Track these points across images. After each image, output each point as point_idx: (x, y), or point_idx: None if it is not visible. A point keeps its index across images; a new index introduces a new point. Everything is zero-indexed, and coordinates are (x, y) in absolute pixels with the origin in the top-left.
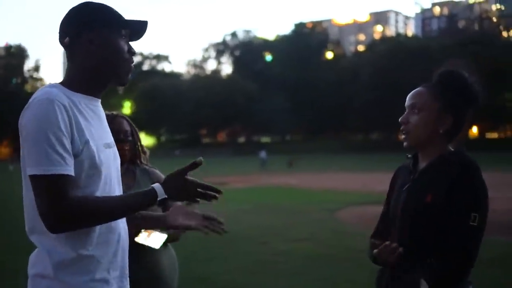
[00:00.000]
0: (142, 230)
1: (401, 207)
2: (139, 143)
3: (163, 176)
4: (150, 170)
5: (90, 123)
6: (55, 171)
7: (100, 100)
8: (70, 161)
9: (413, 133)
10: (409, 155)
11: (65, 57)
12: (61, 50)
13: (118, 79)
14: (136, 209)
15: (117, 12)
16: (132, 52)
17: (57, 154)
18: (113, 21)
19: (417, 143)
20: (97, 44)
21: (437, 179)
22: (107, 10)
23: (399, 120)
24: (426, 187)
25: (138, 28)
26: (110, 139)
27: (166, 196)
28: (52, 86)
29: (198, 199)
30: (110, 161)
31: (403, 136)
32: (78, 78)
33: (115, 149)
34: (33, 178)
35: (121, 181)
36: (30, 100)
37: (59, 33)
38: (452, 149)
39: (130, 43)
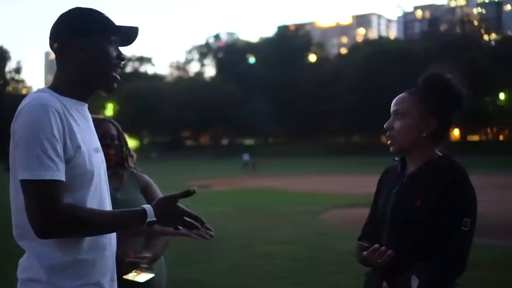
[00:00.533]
0: (133, 270)
1: (391, 210)
2: (126, 147)
3: (151, 181)
4: (138, 175)
5: (81, 128)
6: (46, 177)
7: (87, 105)
8: (62, 166)
9: (397, 139)
10: (396, 158)
11: (46, 58)
12: (43, 51)
13: (106, 86)
14: (125, 227)
15: (108, 18)
16: (121, 58)
17: (49, 159)
18: (104, 27)
19: (402, 148)
20: (87, 51)
21: (427, 184)
22: (98, 16)
23: (384, 126)
24: (416, 191)
25: (129, 34)
26: (98, 143)
27: (155, 219)
28: (42, 91)
29: (181, 227)
30: (100, 165)
31: (389, 142)
32: (67, 83)
33: (102, 153)
34: (24, 182)
35: (108, 184)
36: (22, 105)
37: (49, 37)
38: (440, 153)
39: (120, 48)
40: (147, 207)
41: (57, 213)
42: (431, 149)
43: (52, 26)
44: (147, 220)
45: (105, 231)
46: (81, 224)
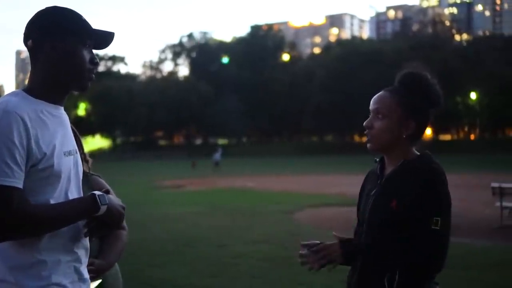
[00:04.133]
0: None
1: (368, 212)
2: (81, 151)
3: (106, 186)
4: (92, 179)
5: (51, 132)
6: (0, 182)
7: (63, 107)
8: (19, 174)
9: (377, 138)
10: (377, 159)
11: (18, 57)
12: (13, 50)
13: (78, 86)
14: (81, 212)
15: (84, 20)
16: (94, 62)
17: (5, 165)
18: (79, 29)
19: (381, 147)
20: (60, 51)
21: (402, 185)
22: (74, 17)
23: (364, 124)
24: (392, 192)
25: (104, 39)
26: (73, 146)
27: (107, 202)
28: (14, 94)
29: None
30: (70, 168)
31: (367, 140)
32: (40, 85)
33: (77, 156)
34: None
35: (81, 187)
36: None
37: (24, 34)
38: (418, 153)
39: (94, 51)
40: (97, 192)
41: (8, 218)
42: (409, 148)
43: (28, 23)
44: (99, 200)
45: (64, 222)
46: (36, 222)
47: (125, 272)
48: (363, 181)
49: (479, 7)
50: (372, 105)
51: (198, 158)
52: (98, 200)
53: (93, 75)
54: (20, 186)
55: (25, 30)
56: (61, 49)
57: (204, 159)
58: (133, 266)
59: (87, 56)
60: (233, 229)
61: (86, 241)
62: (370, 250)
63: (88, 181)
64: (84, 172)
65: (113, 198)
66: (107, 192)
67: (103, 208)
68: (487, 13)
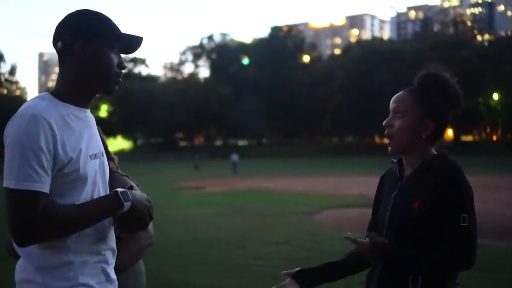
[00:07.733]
0: None
1: (389, 215)
2: (106, 150)
3: (132, 184)
4: (117, 178)
5: (77, 135)
6: (26, 187)
7: (89, 110)
8: (46, 178)
9: (396, 138)
10: (394, 160)
11: (40, 60)
12: (36, 52)
13: (105, 89)
14: (105, 211)
15: (113, 24)
16: (122, 66)
17: (32, 170)
18: (108, 33)
19: (400, 147)
20: (88, 54)
21: (423, 185)
22: (104, 21)
23: (383, 123)
24: (413, 193)
25: (132, 43)
26: (99, 149)
27: (130, 197)
28: (41, 97)
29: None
30: (96, 171)
31: (387, 140)
32: (67, 88)
33: (103, 158)
34: (6, 190)
35: (108, 190)
36: (17, 112)
37: (53, 36)
38: (436, 153)
39: (122, 56)
40: (119, 189)
41: (35, 222)
42: (428, 149)
43: (58, 25)
44: (121, 197)
45: (89, 222)
46: (62, 224)
47: (145, 273)
48: (378, 183)
49: (501, 7)
50: (391, 104)
51: (217, 159)
52: (121, 197)
53: (120, 79)
54: (46, 190)
55: (54, 32)
56: (89, 52)
57: (224, 160)
58: (154, 267)
59: (115, 59)
60: (253, 230)
61: (113, 243)
62: (392, 257)
63: (114, 182)
64: (110, 170)
65: (137, 193)
66: (131, 188)
67: (127, 205)
68: (509, 13)
